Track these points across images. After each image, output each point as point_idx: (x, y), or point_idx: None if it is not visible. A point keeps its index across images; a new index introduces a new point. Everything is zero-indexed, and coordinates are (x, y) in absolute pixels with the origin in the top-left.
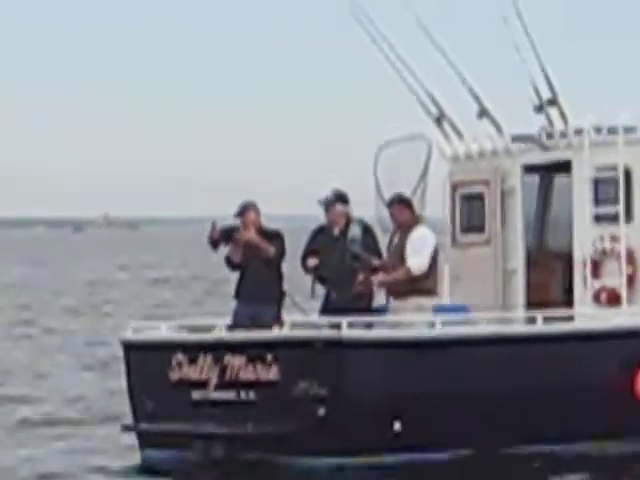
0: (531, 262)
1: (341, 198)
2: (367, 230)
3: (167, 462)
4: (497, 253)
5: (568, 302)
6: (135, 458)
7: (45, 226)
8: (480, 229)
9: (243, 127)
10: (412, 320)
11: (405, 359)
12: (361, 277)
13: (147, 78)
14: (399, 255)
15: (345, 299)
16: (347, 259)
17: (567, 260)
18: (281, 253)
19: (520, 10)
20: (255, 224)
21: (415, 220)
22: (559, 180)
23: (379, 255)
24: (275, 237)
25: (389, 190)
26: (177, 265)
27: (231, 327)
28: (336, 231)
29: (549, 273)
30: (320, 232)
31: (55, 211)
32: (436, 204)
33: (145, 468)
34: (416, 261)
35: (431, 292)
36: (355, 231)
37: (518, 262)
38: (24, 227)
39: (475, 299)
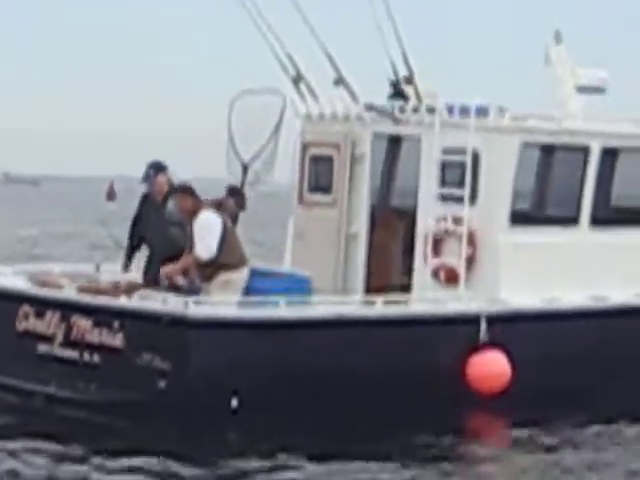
0: (374, 225)
1: (160, 169)
2: None
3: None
4: (342, 216)
5: (408, 269)
6: None
7: None
8: (327, 190)
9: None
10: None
11: (245, 339)
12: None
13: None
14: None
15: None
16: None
17: (410, 225)
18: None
19: None
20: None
21: (198, 205)
22: (407, 149)
23: None
24: None
25: (242, 142)
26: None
27: None
28: (159, 199)
29: (391, 236)
30: (144, 201)
31: None
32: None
33: None
34: (200, 247)
35: (236, 266)
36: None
37: (361, 227)
38: None
39: (317, 259)
